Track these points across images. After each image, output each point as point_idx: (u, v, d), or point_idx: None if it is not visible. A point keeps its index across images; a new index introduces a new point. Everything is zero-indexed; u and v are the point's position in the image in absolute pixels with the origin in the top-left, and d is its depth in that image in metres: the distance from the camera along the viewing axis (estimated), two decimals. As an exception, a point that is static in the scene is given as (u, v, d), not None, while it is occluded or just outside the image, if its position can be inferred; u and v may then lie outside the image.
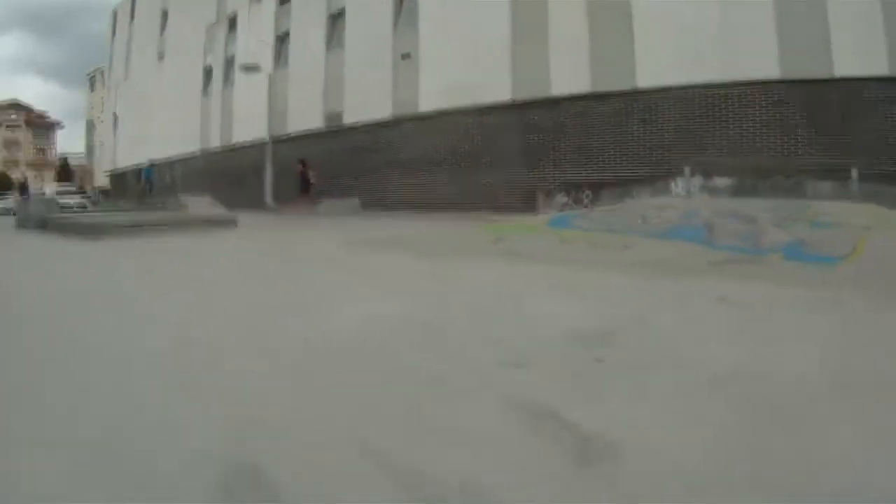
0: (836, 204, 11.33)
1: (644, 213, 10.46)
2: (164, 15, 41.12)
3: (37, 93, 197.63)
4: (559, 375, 3.97)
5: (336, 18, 27.33)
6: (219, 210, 22.75)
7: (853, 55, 15.14)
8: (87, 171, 78.84)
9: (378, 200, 23.62)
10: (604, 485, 2.68)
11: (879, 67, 14.95)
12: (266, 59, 28.30)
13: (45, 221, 15.66)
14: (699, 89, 16.99)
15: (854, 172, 13.82)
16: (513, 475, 2.76)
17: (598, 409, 3.40)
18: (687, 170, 15.04)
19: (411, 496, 2.62)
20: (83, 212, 29.13)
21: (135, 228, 13.81)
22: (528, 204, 17.78)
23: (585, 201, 15.69)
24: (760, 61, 16.12)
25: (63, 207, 33.10)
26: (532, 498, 2.62)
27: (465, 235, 11.56)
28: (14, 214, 21.75)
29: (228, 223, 15.53)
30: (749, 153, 16.06)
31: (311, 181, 25.28)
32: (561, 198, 16.72)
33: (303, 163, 25.35)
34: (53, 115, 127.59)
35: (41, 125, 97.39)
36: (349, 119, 26.24)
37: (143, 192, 33.33)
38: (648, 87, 17.82)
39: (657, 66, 17.56)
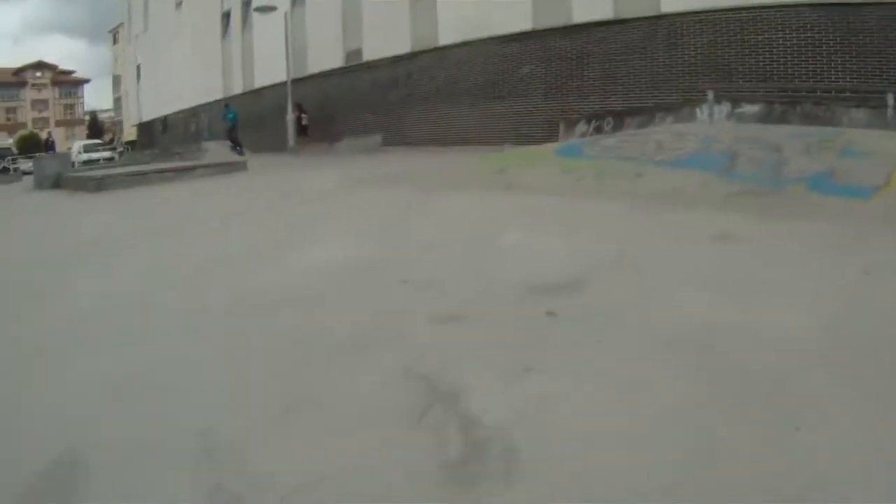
0: (870, 132, 10.46)
1: (660, 139, 9.87)
2: (180, -39, 40.54)
3: (64, 51, 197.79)
4: (492, 335, 3.47)
5: (352, -48, 26.59)
6: (241, 154, 22.73)
7: (889, -25, 14.32)
8: (117, 125, 79.25)
9: (399, 137, 23.23)
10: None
11: (917, -11, 14.12)
12: (283, -2, 27.80)
13: (58, 179, 15.62)
14: (726, 13, 16.27)
15: (890, 99, 13.10)
16: (364, 487, 2.20)
17: (516, 390, 2.81)
18: (711, 95, 14.41)
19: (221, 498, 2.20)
20: (109, 164, 29.31)
21: (139, 178, 13.68)
22: (550, 134, 17.32)
23: (607, 129, 15.17)
24: (791, -18, 15.32)
25: (89, 162, 33.43)
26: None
27: (472, 167, 11.20)
28: None
29: (238, 167, 15.37)
30: (779, 79, 15.43)
31: (304, 124, 25.83)
32: (582, 126, 16.19)
33: (299, 107, 25.64)
34: (81, 72, 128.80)
35: (68, 83, 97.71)
36: (369, 56, 25.66)
37: (232, 138, 27.44)
38: (673, 11, 17.07)
39: (683, -11, 16.82)
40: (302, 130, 25.82)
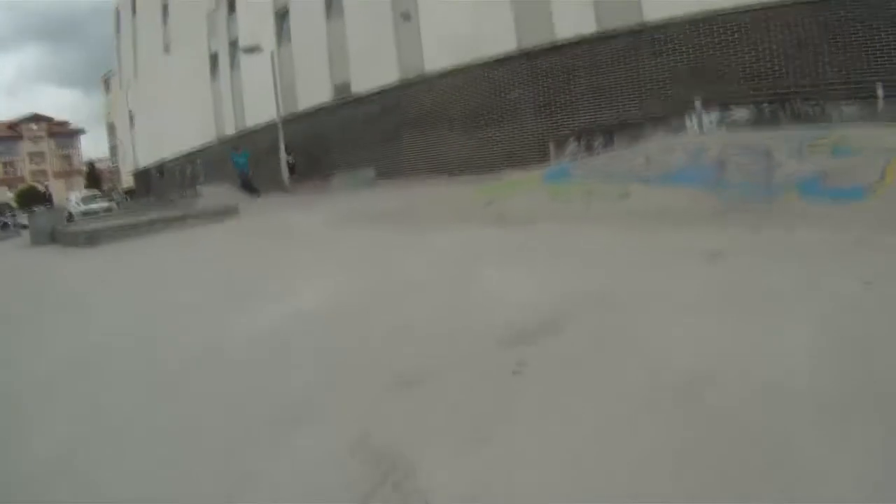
0: (861, 127, 10.36)
1: (649, 155, 9.75)
2: (165, 6, 40.74)
3: (59, 102, 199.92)
4: (456, 396, 3.20)
5: (332, -13, 26.67)
6: (238, 196, 22.74)
7: (869, -34, 14.21)
8: (115, 174, 79.60)
9: (393, 169, 23.14)
10: None
11: (898, -24, 14.00)
12: (268, 38, 27.86)
13: (53, 233, 15.64)
14: (709, 17, 16.16)
15: (880, 90, 12.94)
16: None
17: (473, 464, 2.58)
18: (698, 103, 14.28)
19: None
20: (108, 215, 29.40)
21: (131, 230, 13.70)
22: (544, 154, 17.21)
23: (597, 146, 15.06)
24: (772, -19, 15.22)
25: (88, 213, 33.57)
26: None
27: (460, 200, 11.10)
28: None
29: (229, 213, 15.34)
30: (767, 79, 15.33)
31: (290, 163, 25.28)
32: (572, 145, 16.08)
33: (284, 147, 25.27)
34: (77, 121, 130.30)
35: (64, 133, 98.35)
36: (357, 88, 25.64)
37: (245, 183, 25.91)
38: (656, 19, 16.97)
39: (663, -3, 16.74)
40: (290, 170, 25.59)
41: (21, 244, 17.90)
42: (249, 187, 25.14)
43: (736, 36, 15.92)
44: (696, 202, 7.56)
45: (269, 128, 28.02)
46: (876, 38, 14.24)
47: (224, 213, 15.42)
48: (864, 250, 4.90)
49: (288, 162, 25.59)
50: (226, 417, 3.41)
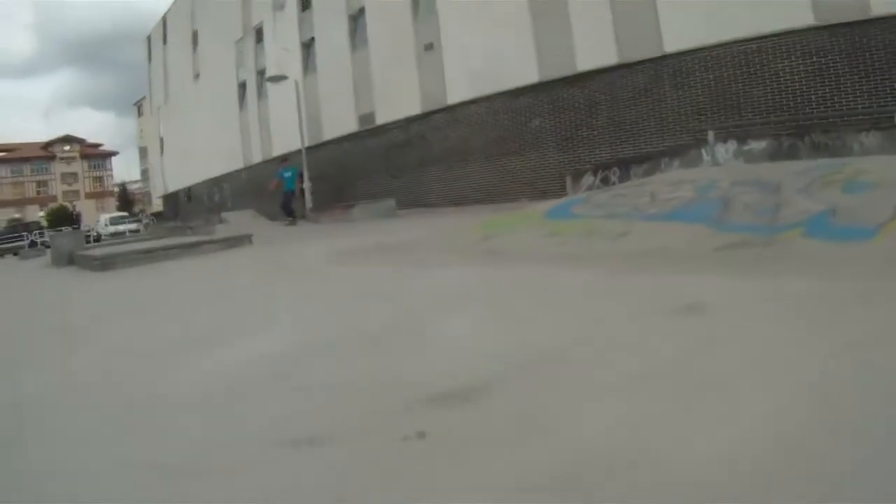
0: (881, 158, 9.68)
1: (655, 190, 9.52)
2: (195, 35, 41.57)
3: (93, 124, 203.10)
4: (345, 464, 2.92)
5: (356, 18, 27.17)
6: (260, 222, 22.88)
7: (890, -9, 14.08)
8: (146, 196, 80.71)
9: (415, 199, 23.31)
10: None
11: (920, 0, 13.83)
12: (294, 67, 28.24)
13: (72, 256, 15.86)
14: (730, 46, 16.16)
15: (899, 119, 12.67)
16: None
17: None
18: (711, 135, 14.14)
19: None
20: (134, 237, 29.86)
21: (145, 256, 13.87)
22: (562, 187, 17.19)
23: (613, 179, 14.95)
24: (792, 9, 15.10)
25: (116, 234, 34.14)
26: None
27: (466, 233, 10.93)
28: None
29: (242, 241, 15.45)
30: (788, 109, 15.21)
31: (304, 191, 24.82)
32: (588, 178, 15.98)
33: (300, 175, 25.00)
34: (110, 144, 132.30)
35: (96, 155, 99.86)
36: (381, 118, 26.06)
37: (286, 203, 23.35)
38: (677, 50, 17.03)
39: (684, 28, 16.71)
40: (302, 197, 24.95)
41: (42, 264, 18.12)
42: (288, 209, 23.06)
43: (756, 65, 15.87)
44: (695, 241, 7.14)
45: (295, 156, 28.27)
46: (897, 64, 14.09)
47: (237, 241, 15.52)
48: (863, 305, 4.23)
49: (302, 190, 25.45)
50: (101, 474, 3.26)
